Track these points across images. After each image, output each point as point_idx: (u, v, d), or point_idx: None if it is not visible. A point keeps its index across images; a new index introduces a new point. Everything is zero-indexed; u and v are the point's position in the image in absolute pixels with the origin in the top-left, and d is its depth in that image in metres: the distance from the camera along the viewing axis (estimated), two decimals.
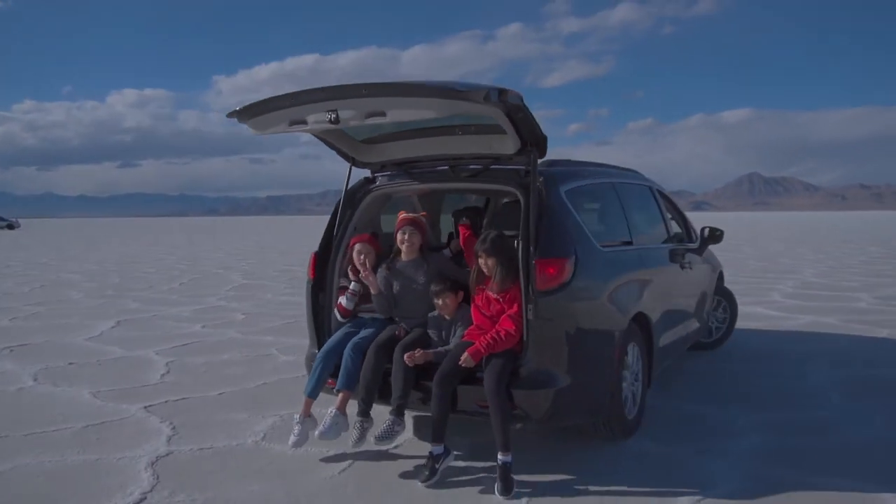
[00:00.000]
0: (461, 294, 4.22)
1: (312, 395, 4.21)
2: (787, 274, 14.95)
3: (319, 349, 4.35)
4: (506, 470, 3.63)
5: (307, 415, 4.18)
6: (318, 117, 3.80)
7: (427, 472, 3.76)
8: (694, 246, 6.16)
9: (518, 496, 3.58)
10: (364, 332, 4.27)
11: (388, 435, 3.95)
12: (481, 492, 3.67)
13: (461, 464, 3.98)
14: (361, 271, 4.30)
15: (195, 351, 7.29)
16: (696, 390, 5.58)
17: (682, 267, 5.60)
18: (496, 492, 3.59)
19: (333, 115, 3.74)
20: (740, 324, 7.41)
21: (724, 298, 7.09)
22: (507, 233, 4.15)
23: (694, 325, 5.96)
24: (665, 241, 5.70)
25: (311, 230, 58.19)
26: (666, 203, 6.08)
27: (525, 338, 3.84)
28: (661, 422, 4.74)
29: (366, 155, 4.68)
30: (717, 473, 3.85)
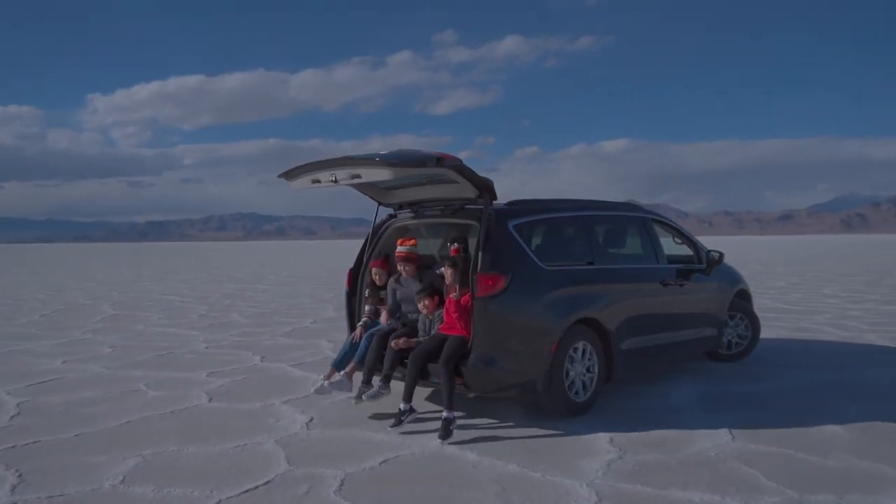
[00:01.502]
0: (437, 299, 5.65)
1: (335, 366, 5.87)
2: None
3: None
4: (447, 423, 5.09)
5: (328, 378, 5.76)
6: (325, 177, 5.42)
7: (394, 421, 5.30)
8: (700, 267, 7.18)
9: (451, 441, 4.98)
10: (377, 327, 5.96)
11: (376, 395, 5.53)
12: (428, 437, 5.10)
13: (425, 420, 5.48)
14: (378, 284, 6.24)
15: (52, 389, 6.78)
16: (508, 444, 5.76)
17: (668, 284, 6.65)
18: (438, 437, 5.03)
19: (334, 177, 5.35)
20: None
21: (746, 316, 7.75)
22: None
23: (690, 334, 6.97)
24: (652, 263, 6.71)
25: (188, 257, 56.20)
26: (670, 230, 7.30)
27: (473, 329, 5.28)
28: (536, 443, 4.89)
29: (387, 198, 6.42)
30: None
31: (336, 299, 16.00)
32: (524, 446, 4.89)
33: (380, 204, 6.47)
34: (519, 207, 5.90)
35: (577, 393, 5.63)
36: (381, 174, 5.14)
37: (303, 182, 5.67)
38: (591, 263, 6.07)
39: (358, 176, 5.23)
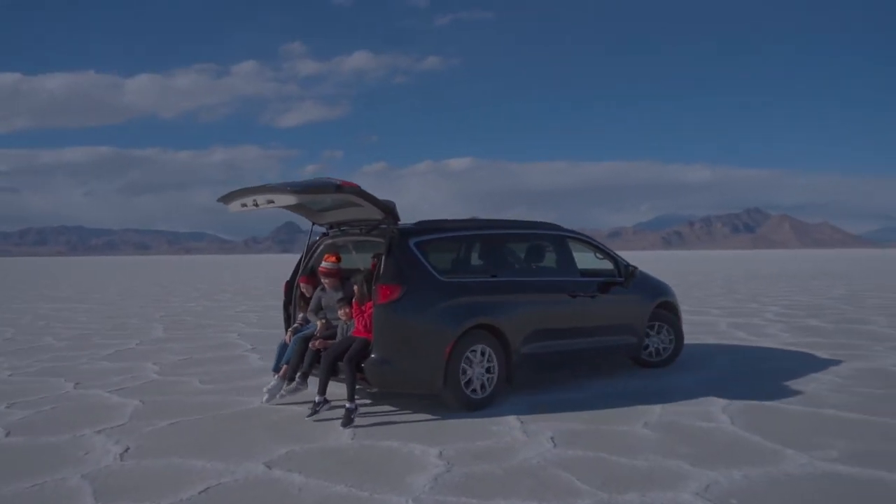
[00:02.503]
0: (353, 309, 6.39)
1: (275, 369, 6.76)
2: None
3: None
4: (349, 412, 5.92)
5: (282, 377, 6.58)
6: (248, 201, 6.17)
7: (310, 411, 6.14)
8: (616, 280, 7.81)
9: (351, 429, 5.77)
10: (304, 331, 6.76)
11: (295, 391, 6.49)
12: (334, 425, 5.87)
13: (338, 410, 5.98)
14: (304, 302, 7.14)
15: None
16: (393, 428, 5.80)
17: (577, 296, 7.27)
18: (340, 425, 5.81)
19: (254, 201, 6.12)
20: None
21: (669, 325, 8.32)
22: None
23: (603, 341, 7.59)
24: (561, 276, 7.37)
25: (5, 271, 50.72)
26: (591, 248, 7.98)
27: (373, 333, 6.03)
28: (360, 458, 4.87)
29: (319, 219, 7.17)
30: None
31: (165, 318, 15.09)
32: (358, 463, 4.84)
33: (313, 223, 7.24)
34: (422, 227, 6.62)
35: (474, 391, 6.34)
36: (288, 199, 6.00)
37: (235, 206, 6.39)
38: (494, 276, 6.79)
39: (272, 201, 6.04)
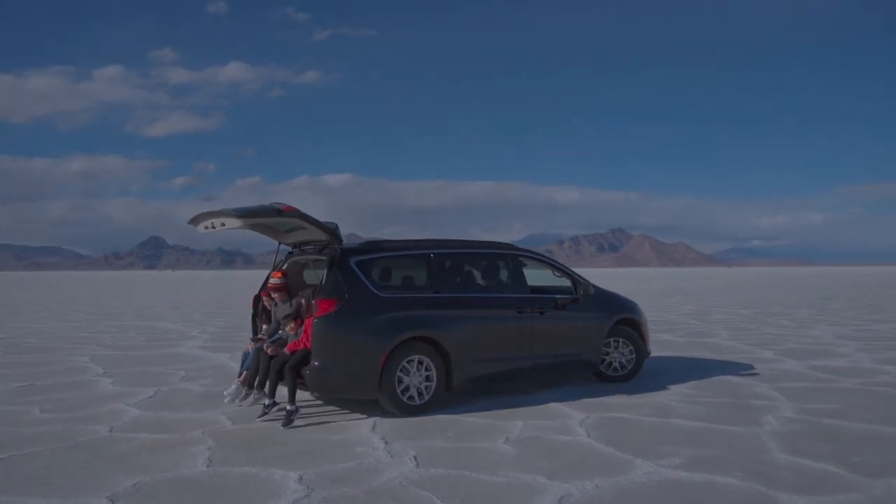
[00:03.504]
0: (299, 321, 6.97)
1: (238, 375, 7.26)
2: None
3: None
4: (289, 413, 6.43)
5: (243, 383, 7.08)
6: (208, 223, 6.73)
7: (261, 413, 6.65)
8: (566, 297, 8.09)
9: (290, 427, 6.33)
10: (274, 339, 7.15)
11: (253, 403, 7.00)
12: (276, 424, 6.39)
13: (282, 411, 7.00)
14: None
15: None
16: (254, 452, 5.60)
17: (524, 312, 7.61)
18: (281, 425, 6.34)
19: (212, 224, 6.69)
20: None
21: (629, 341, 8.54)
22: None
23: (554, 355, 7.88)
24: (508, 293, 7.70)
25: None
26: (547, 266, 8.39)
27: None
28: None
29: (284, 239, 7.68)
30: None
31: (5, 341, 13.82)
32: (211, 493, 4.62)
33: (279, 243, 7.79)
34: (365, 247, 7.14)
35: (411, 397, 6.81)
36: (235, 223, 6.59)
37: (201, 227, 6.86)
38: (437, 292, 7.20)
39: (223, 224, 6.62)
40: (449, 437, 6.00)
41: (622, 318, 8.62)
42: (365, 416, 6.80)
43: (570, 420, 6.57)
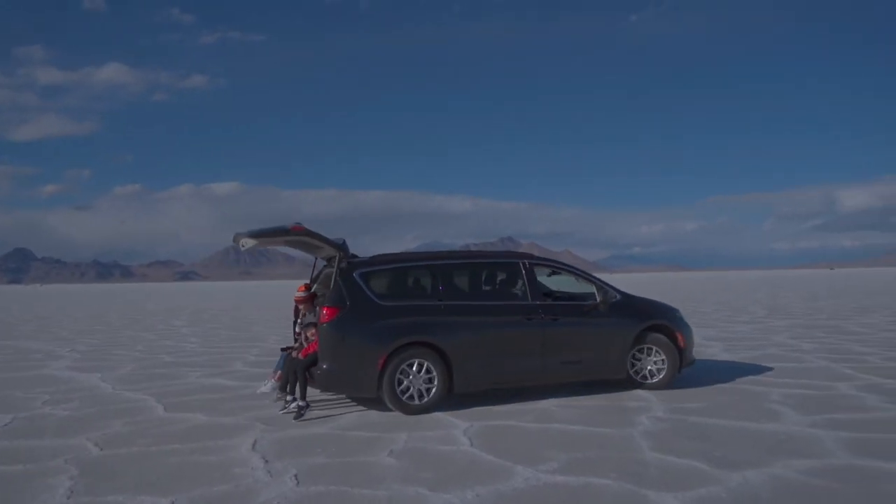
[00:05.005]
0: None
1: (275, 373, 8.09)
2: (255, 342, 15.74)
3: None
4: (301, 408, 7.20)
5: (273, 378, 8.05)
6: (237, 241, 7.57)
7: (282, 406, 7.45)
8: (586, 304, 8.23)
9: (301, 419, 7.11)
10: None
11: (277, 399, 7.76)
12: (288, 417, 7.17)
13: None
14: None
15: None
16: (125, 478, 5.29)
17: (533, 318, 7.82)
18: (293, 419, 7.08)
19: (242, 243, 7.50)
20: (194, 396, 7.38)
21: (660, 348, 8.36)
22: None
23: (567, 361, 8.01)
24: (517, 300, 7.97)
25: None
26: (569, 273, 8.62)
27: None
28: None
29: (318, 253, 8.29)
30: None
31: None
32: None
33: (316, 257, 8.46)
34: (369, 260, 7.84)
35: (411, 398, 7.31)
36: (250, 242, 7.45)
37: (239, 246, 7.65)
38: (441, 300, 7.67)
39: (245, 244, 7.49)
40: (332, 453, 5.89)
41: (653, 325, 8.48)
42: (244, 435, 6.57)
43: (454, 430, 6.63)
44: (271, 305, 35.72)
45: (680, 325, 8.68)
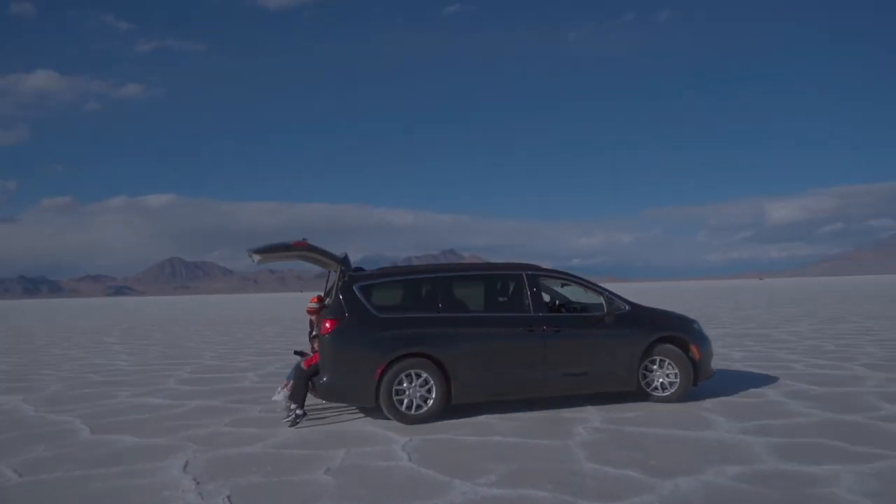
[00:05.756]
0: None
1: (287, 379, 8.15)
2: (189, 358, 15.32)
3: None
4: (297, 416, 7.49)
5: (284, 388, 8.01)
6: (250, 256, 7.85)
7: (293, 420, 7.52)
8: (592, 315, 8.26)
9: (297, 428, 7.36)
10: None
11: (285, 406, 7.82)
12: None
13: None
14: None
15: None
16: None
17: (535, 329, 7.85)
18: (289, 426, 7.40)
19: (254, 258, 7.85)
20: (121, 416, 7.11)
21: (672, 360, 8.19)
22: None
23: (570, 372, 7.95)
24: (519, 312, 7.97)
25: None
26: (576, 285, 8.62)
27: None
28: None
29: (331, 267, 8.37)
30: None
31: None
32: None
33: (330, 271, 8.59)
34: (369, 273, 8.04)
35: (408, 408, 7.49)
36: (256, 258, 7.81)
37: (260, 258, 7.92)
38: (440, 312, 7.80)
39: (255, 259, 7.83)
40: (267, 472, 5.75)
41: (664, 337, 8.33)
42: (175, 456, 6.35)
43: (393, 445, 6.56)
44: (208, 320, 34.83)
45: (695, 336, 8.50)
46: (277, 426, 7.54)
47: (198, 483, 5.48)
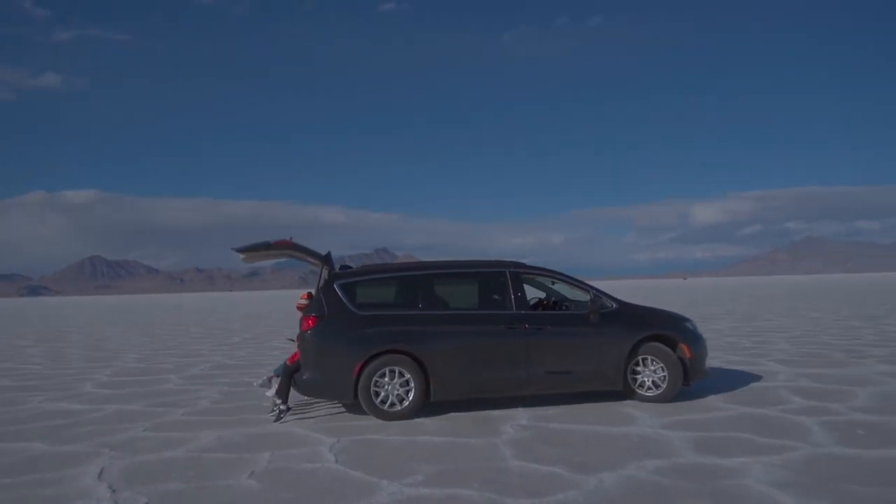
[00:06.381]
0: None
1: (275, 374, 8.52)
2: (109, 361, 14.73)
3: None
4: (281, 411, 7.75)
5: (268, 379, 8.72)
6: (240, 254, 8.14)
7: (277, 415, 7.75)
8: (575, 313, 8.27)
9: (281, 422, 7.57)
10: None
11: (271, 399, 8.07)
12: (269, 419, 7.66)
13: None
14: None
15: None
16: None
17: (515, 327, 7.83)
18: (273, 420, 7.64)
19: (240, 256, 8.09)
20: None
21: (660, 359, 8.07)
22: None
23: (552, 370, 7.89)
24: (499, 309, 7.97)
25: None
26: (560, 282, 8.64)
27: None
28: None
29: (317, 264, 8.47)
30: None
31: None
32: None
33: (321, 268, 8.51)
34: (350, 272, 8.14)
35: (385, 404, 7.58)
36: (241, 257, 8.05)
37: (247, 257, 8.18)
38: (420, 310, 7.86)
39: (239, 256, 8.04)
40: (188, 478, 5.57)
41: (654, 335, 8.21)
42: (89, 463, 6.09)
43: (320, 446, 6.47)
44: (130, 321, 33.60)
45: (686, 335, 8.35)
46: (200, 429, 7.33)
47: (113, 491, 5.27)
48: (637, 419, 7.27)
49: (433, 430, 7.01)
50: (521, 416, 7.60)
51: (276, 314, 37.34)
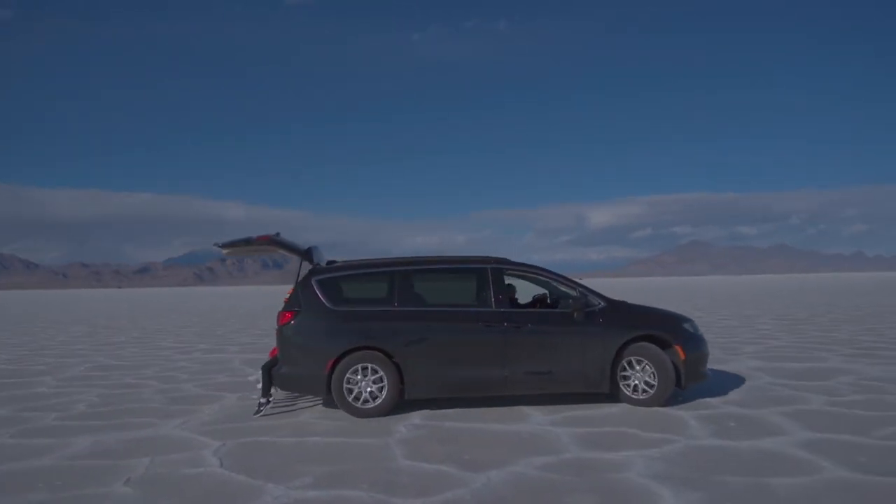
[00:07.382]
0: None
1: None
2: None
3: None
4: (260, 405, 7.74)
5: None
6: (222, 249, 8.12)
7: (257, 408, 7.79)
8: (561, 312, 7.84)
9: (262, 416, 7.60)
10: None
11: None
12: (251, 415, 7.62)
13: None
14: None
15: None
16: None
17: (492, 325, 7.66)
18: (253, 414, 7.70)
19: (222, 251, 8.08)
20: None
21: (651, 360, 7.70)
22: None
23: (532, 370, 7.69)
24: (477, 307, 7.79)
25: None
26: (548, 279, 8.35)
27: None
28: None
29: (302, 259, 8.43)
30: None
31: None
32: None
33: (301, 262, 8.32)
34: (328, 268, 8.06)
35: (359, 401, 7.54)
36: (224, 251, 8.00)
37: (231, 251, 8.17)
38: (396, 306, 7.74)
39: (221, 251, 8.03)
40: (56, 487, 5.21)
41: (645, 335, 7.83)
42: None
43: (205, 450, 6.21)
44: (3, 320, 31.27)
45: (679, 335, 7.90)
46: (74, 435, 6.88)
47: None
48: (530, 417, 7.39)
49: (324, 431, 6.89)
50: (415, 415, 7.57)
51: (171, 313, 35.77)
